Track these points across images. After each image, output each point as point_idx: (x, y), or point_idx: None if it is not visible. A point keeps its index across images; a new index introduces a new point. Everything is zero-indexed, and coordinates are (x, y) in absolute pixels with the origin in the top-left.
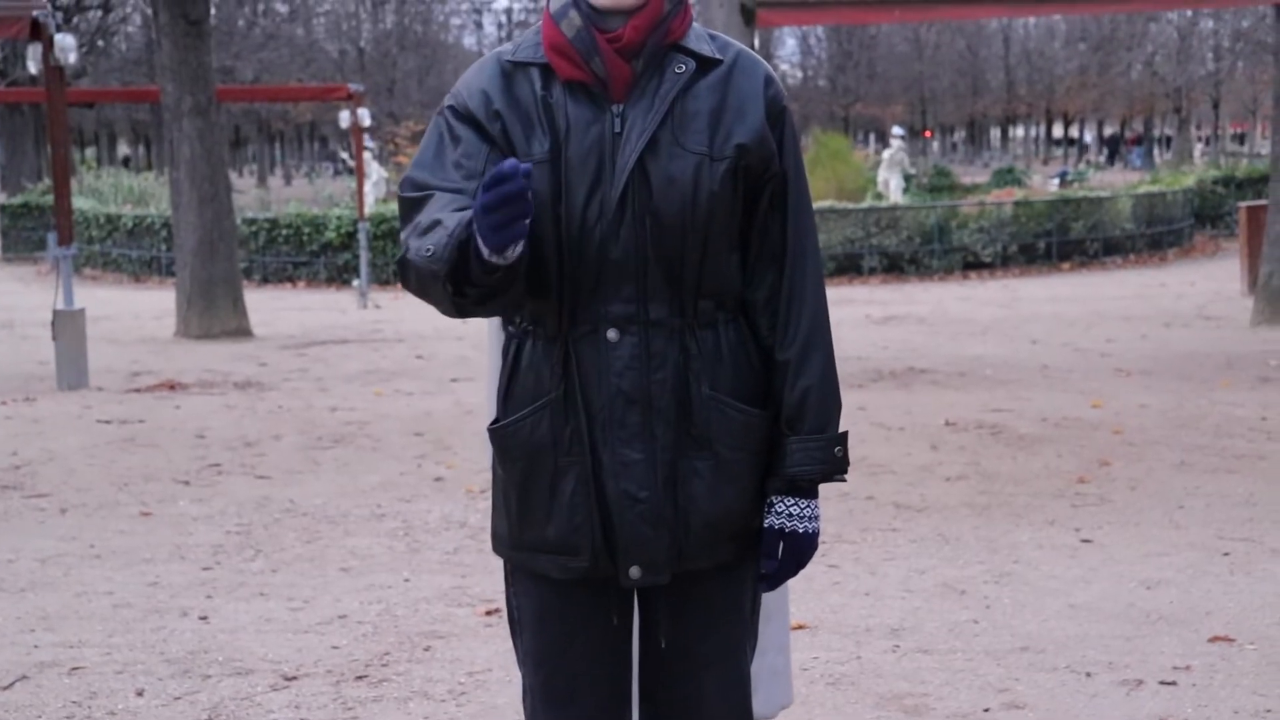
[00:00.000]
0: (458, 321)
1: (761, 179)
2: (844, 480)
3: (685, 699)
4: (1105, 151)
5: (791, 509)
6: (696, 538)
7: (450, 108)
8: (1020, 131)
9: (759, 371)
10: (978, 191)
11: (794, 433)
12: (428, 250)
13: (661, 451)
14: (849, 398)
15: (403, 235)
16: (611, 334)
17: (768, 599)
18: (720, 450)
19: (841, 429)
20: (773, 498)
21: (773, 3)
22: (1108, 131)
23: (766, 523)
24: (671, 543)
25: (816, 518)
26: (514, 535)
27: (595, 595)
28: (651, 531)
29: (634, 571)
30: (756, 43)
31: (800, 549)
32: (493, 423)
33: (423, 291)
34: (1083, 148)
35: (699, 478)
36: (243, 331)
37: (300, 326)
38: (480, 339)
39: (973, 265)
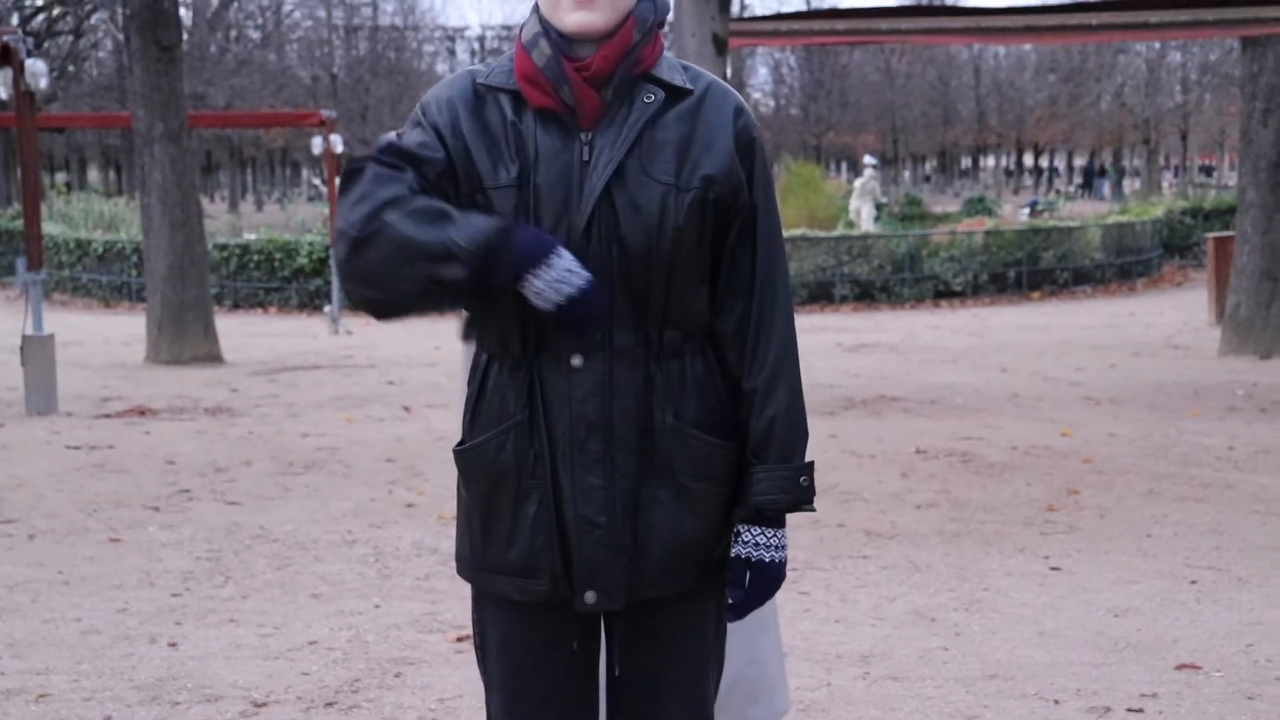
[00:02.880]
0: (430, 349)
1: (730, 211)
2: (812, 510)
3: None
4: (1082, 181)
5: (758, 538)
6: (655, 565)
7: (422, 107)
8: (991, 161)
9: (725, 402)
10: (949, 220)
11: (760, 462)
12: (459, 242)
13: (621, 479)
14: (820, 425)
15: (356, 193)
16: (576, 360)
17: (757, 611)
18: (683, 479)
19: (809, 458)
20: (739, 527)
21: (745, 31)
22: (1078, 162)
23: (734, 552)
24: (629, 569)
25: (783, 547)
26: (476, 556)
27: (558, 620)
28: (608, 557)
29: (589, 597)
30: (729, 71)
31: (768, 578)
32: (459, 444)
33: (380, 265)
34: (1053, 177)
35: (660, 506)
36: (213, 357)
37: (271, 352)
38: (452, 365)
39: (943, 294)
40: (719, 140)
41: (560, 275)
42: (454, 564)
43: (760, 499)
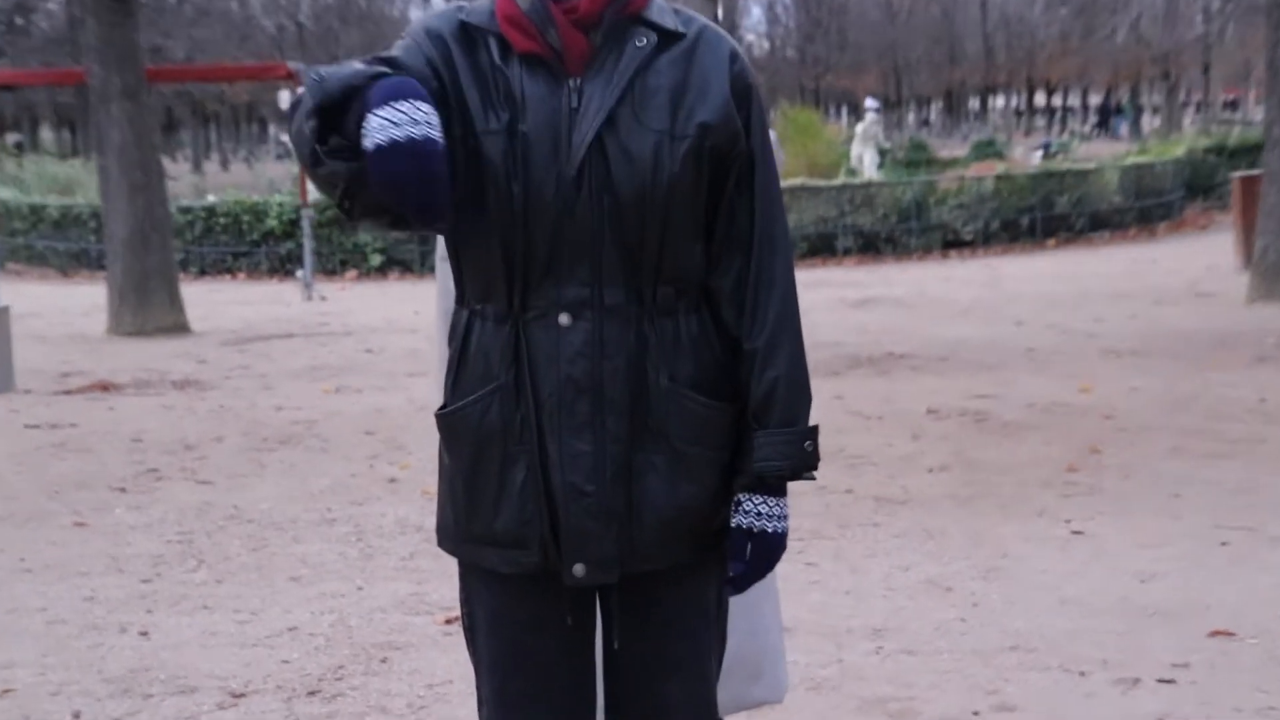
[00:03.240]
0: (410, 314)
1: (727, 160)
2: (813, 478)
3: (651, 707)
4: (1097, 120)
5: (760, 507)
6: (650, 536)
7: (408, 34)
8: (1000, 102)
9: (723, 363)
10: (956, 166)
11: (761, 426)
12: (316, 76)
13: (612, 444)
14: (825, 385)
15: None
16: (564, 319)
17: (754, 585)
18: (678, 444)
19: (813, 422)
20: (740, 495)
21: None
22: (1093, 100)
23: (734, 522)
24: (620, 539)
25: (786, 516)
26: (460, 527)
27: (550, 595)
28: (598, 527)
29: (578, 569)
30: (720, 13)
31: (769, 549)
32: (441, 408)
33: (294, 139)
34: (1067, 117)
35: (654, 472)
36: (180, 327)
37: (241, 321)
38: (431, 333)
39: (952, 244)
40: (714, 86)
41: (393, 117)
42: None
43: (761, 465)
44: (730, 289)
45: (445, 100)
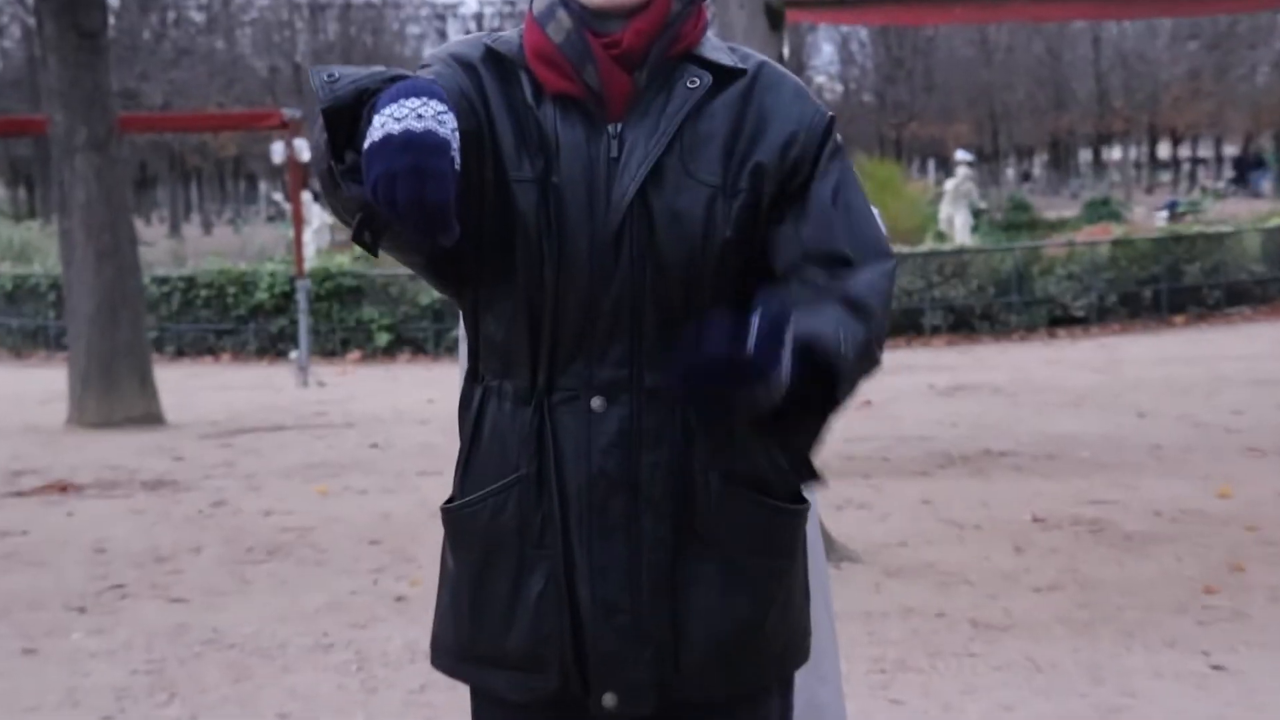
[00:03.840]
0: (423, 402)
1: (784, 197)
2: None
3: None
4: (1234, 174)
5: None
6: (697, 660)
7: (431, 59)
8: (1116, 153)
9: (783, 451)
10: (1065, 229)
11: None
12: (329, 75)
13: (650, 550)
14: (910, 488)
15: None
16: (597, 402)
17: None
18: (734, 553)
19: (893, 528)
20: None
21: (807, 1)
22: (1229, 151)
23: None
24: (660, 664)
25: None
26: (463, 644)
27: None
28: (632, 649)
29: (608, 699)
30: (786, 51)
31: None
32: (447, 501)
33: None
34: (1197, 171)
35: (703, 585)
36: (152, 417)
37: (225, 410)
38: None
39: (1061, 321)
40: (773, 125)
41: (396, 113)
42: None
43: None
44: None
45: (481, 138)
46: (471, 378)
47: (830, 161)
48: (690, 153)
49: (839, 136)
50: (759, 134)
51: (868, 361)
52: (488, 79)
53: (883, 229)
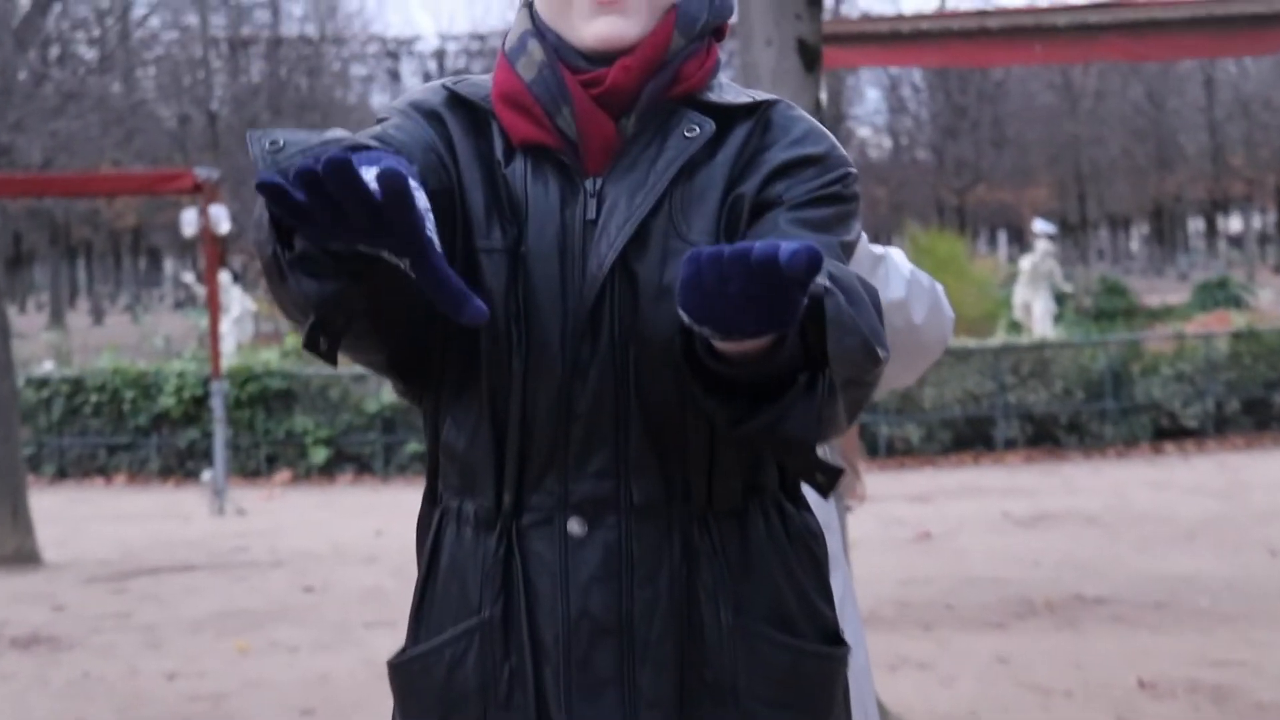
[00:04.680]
0: (369, 534)
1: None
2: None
3: None
4: None
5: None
6: None
7: (387, 111)
8: (1235, 223)
9: (813, 579)
10: (1172, 318)
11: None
12: (271, 143)
13: (649, 709)
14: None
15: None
16: (575, 525)
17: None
18: (752, 706)
19: (962, 692)
20: None
21: (848, 35)
22: None
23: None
24: None
25: None
26: None
27: None
28: None
29: None
30: (823, 97)
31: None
32: (397, 653)
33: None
34: None
35: None
36: (25, 556)
37: (119, 546)
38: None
39: (1168, 433)
40: (766, 155)
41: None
42: None
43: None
44: None
45: (453, 199)
46: (429, 499)
47: (827, 206)
48: (683, 212)
49: (855, 187)
50: (748, 171)
51: (857, 336)
52: (455, 128)
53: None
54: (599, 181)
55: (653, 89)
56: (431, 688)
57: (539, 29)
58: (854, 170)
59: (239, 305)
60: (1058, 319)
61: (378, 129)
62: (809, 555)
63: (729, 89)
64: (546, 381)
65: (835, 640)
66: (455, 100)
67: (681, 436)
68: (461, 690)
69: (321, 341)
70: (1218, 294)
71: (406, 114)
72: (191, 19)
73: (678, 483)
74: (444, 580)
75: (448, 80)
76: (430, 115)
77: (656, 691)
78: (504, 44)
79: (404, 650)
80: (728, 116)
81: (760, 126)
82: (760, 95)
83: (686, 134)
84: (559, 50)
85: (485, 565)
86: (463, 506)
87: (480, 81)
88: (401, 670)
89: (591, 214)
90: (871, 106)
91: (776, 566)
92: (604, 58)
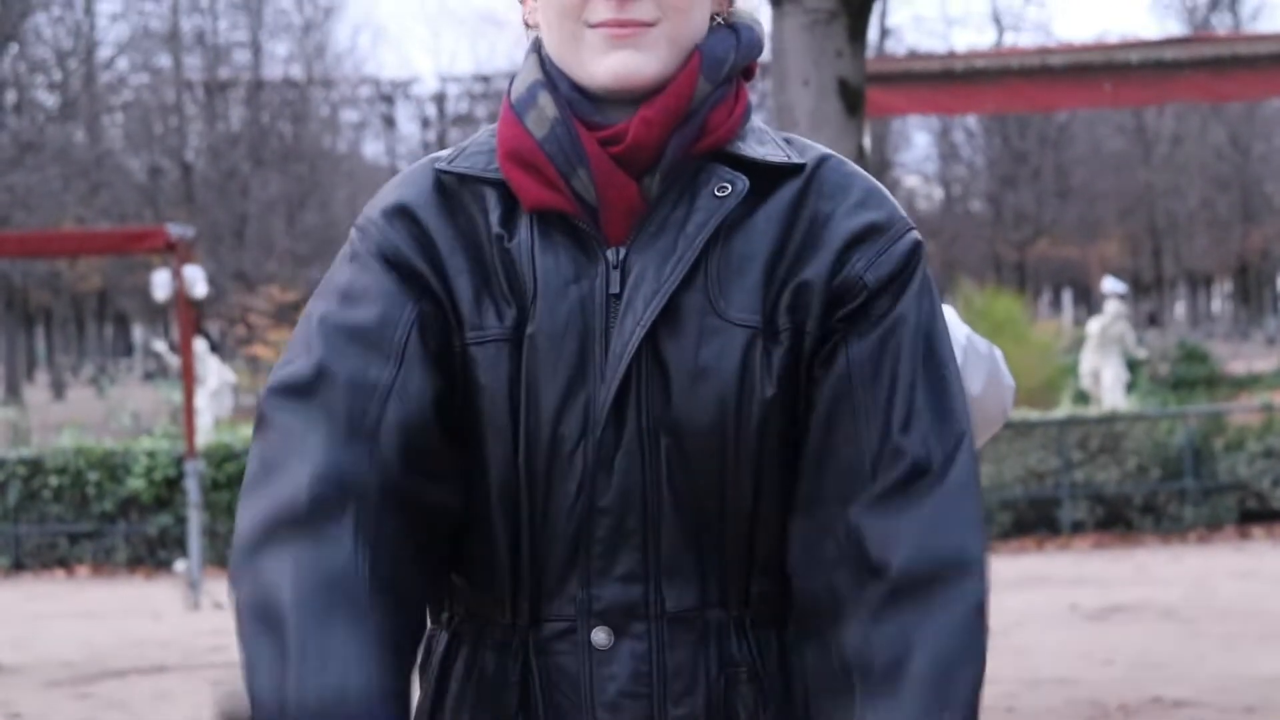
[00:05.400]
0: None
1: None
2: None
3: None
4: None
5: None
6: None
7: (359, 231)
8: None
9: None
10: (1259, 387)
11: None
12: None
13: None
14: None
15: (253, 469)
16: (600, 636)
17: None
18: None
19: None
20: None
21: (894, 74)
22: None
23: None
24: None
25: None
26: None
27: None
28: None
29: None
30: (867, 141)
31: None
32: None
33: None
34: None
35: None
36: None
37: (82, 646)
38: None
39: (1256, 515)
40: (829, 231)
41: None
42: None
43: None
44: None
45: (443, 310)
46: (432, 616)
47: (902, 300)
48: (719, 284)
49: (926, 266)
50: (808, 247)
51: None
52: (433, 220)
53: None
54: (622, 251)
55: (678, 144)
56: None
57: (550, 77)
58: (916, 234)
59: (216, 376)
60: (1130, 388)
61: (356, 313)
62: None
63: (763, 136)
64: (564, 477)
65: None
66: (437, 185)
67: (719, 535)
68: None
69: None
70: None
71: (375, 243)
72: (164, 61)
73: (713, 587)
74: (454, 705)
75: (441, 161)
76: (402, 218)
77: None
78: (510, 92)
79: None
80: (766, 174)
81: (809, 186)
82: (806, 150)
83: (717, 193)
84: (572, 104)
85: (501, 685)
86: (473, 625)
87: (479, 147)
88: None
89: (615, 287)
90: (921, 153)
91: (823, 677)
92: (621, 108)
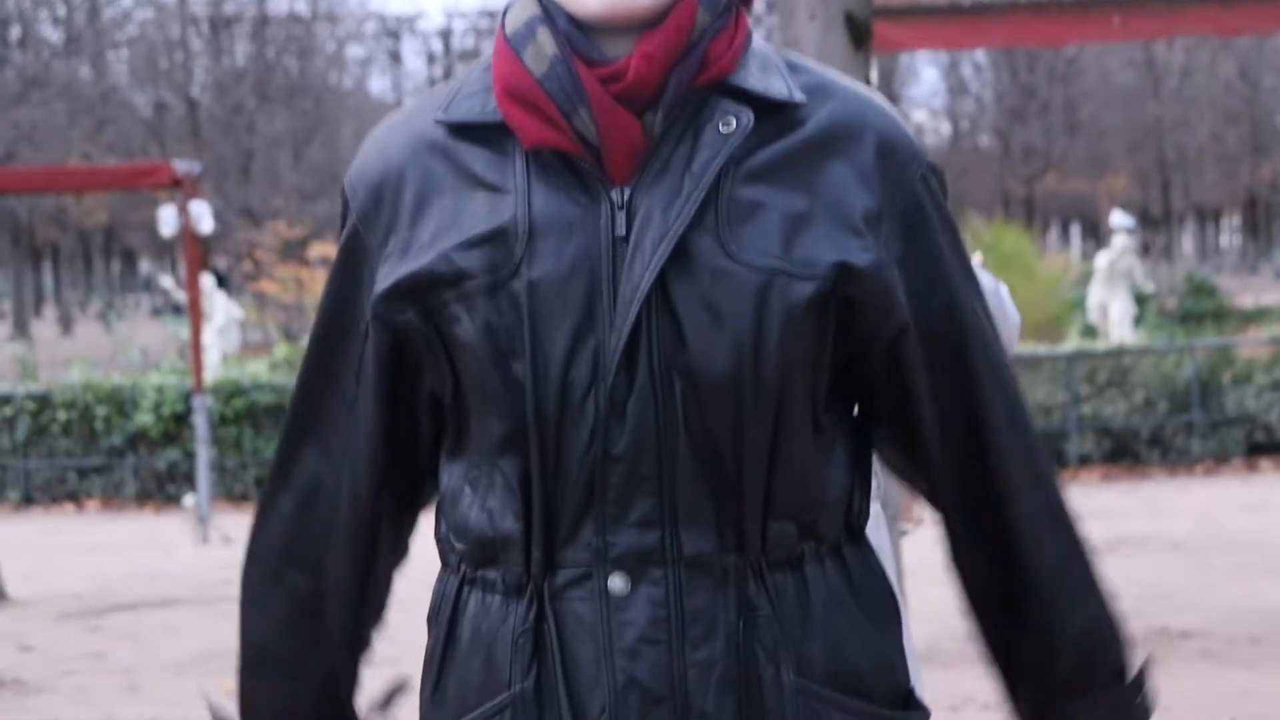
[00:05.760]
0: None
1: (878, 329)
2: None
3: None
4: None
5: None
6: None
7: (344, 201)
8: None
9: (882, 635)
10: (1267, 320)
11: (1074, 696)
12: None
13: None
14: None
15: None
16: (617, 582)
17: None
18: None
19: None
20: None
21: (901, 9)
22: None
23: None
24: None
25: None
26: None
27: None
28: None
29: None
30: (875, 75)
31: None
32: None
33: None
34: None
35: None
36: None
37: (92, 579)
38: (404, 593)
39: (1264, 448)
40: (856, 193)
41: None
42: None
43: None
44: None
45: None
46: (443, 561)
47: (946, 246)
48: (730, 223)
49: (941, 189)
50: (838, 203)
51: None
52: (415, 178)
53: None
54: (626, 192)
55: (679, 78)
56: None
57: (547, 10)
58: (930, 161)
59: (224, 312)
60: (1138, 322)
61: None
62: (876, 606)
63: (765, 63)
64: (576, 424)
65: (911, 704)
66: (422, 138)
67: (736, 480)
68: None
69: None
70: None
71: (334, 269)
72: None
73: (730, 532)
74: (465, 654)
75: (430, 107)
76: (375, 180)
77: None
78: (504, 24)
79: None
80: (772, 108)
81: (825, 123)
82: (810, 78)
83: (722, 129)
84: (570, 39)
85: (514, 634)
86: (486, 575)
87: (473, 87)
88: None
89: (621, 230)
90: (928, 88)
91: (840, 621)
92: (618, 41)
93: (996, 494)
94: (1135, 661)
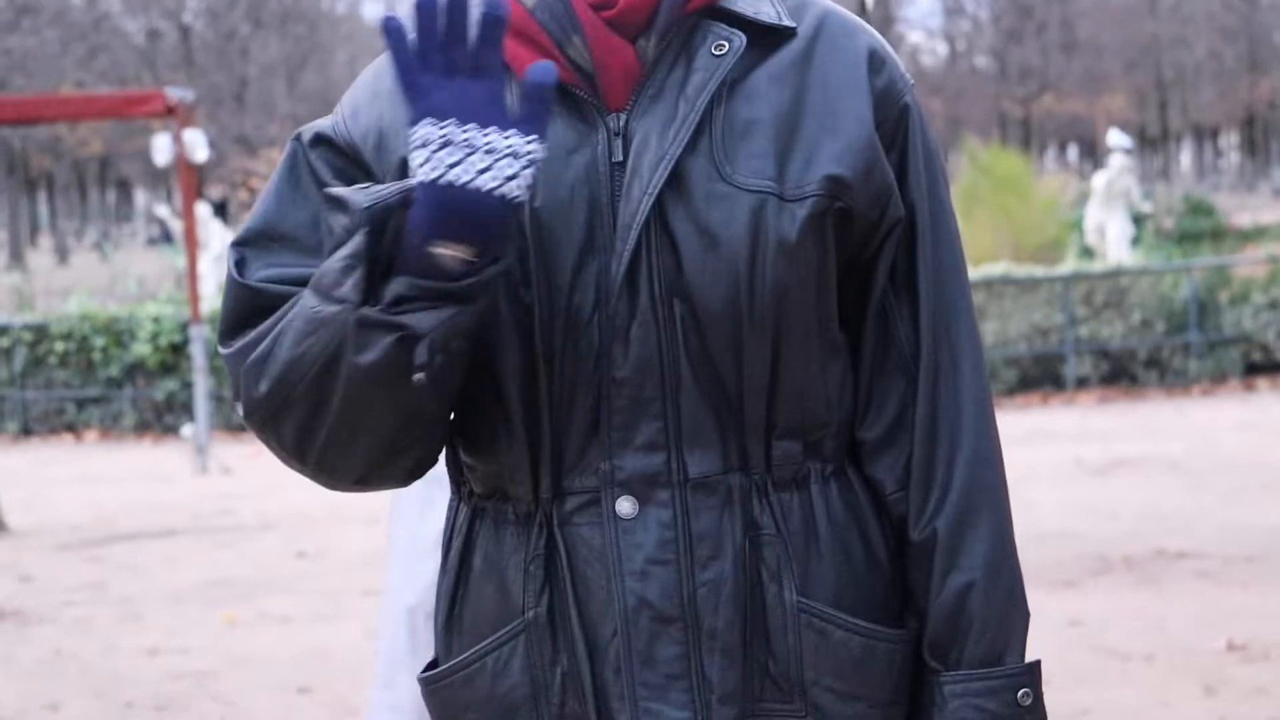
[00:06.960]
0: (369, 496)
1: (870, 234)
2: None
3: None
4: None
5: None
6: None
7: (316, 137)
8: None
9: (885, 557)
10: (1265, 240)
11: (946, 666)
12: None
13: (721, 703)
14: (1050, 602)
15: (229, 353)
16: (625, 505)
17: None
18: (821, 698)
19: (1031, 656)
20: None
21: None
22: None
23: None
24: None
25: None
26: None
27: None
28: None
29: None
30: None
31: None
32: (428, 669)
33: (318, 404)
34: None
35: None
36: None
37: (91, 510)
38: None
39: (1261, 368)
40: (846, 111)
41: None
42: None
43: None
44: (882, 440)
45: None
46: (454, 491)
47: (917, 162)
48: (726, 146)
49: (924, 116)
50: (829, 123)
51: (1016, 604)
52: (381, 121)
53: (971, 307)
54: (622, 118)
55: (671, 3)
56: (474, 702)
57: None
58: (909, 84)
59: (220, 241)
60: (1135, 242)
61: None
62: (877, 526)
63: None
64: (580, 349)
65: (903, 621)
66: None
67: (738, 402)
68: (511, 700)
69: (434, 356)
70: None
71: (324, 155)
72: None
73: (735, 451)
74: (478, 582)
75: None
76: (371, 112)
77: (727, 684)
78: None
79: (434, 664)
80: (764, 32)
81: (812, 46)
82: (802, 6)
83: (715, 52)
84: None
85: (525, 560)
86: (496, 501)
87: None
88: (438, 686)
89: (618, 155)
90: (925, 8)
91: (845, 542)
92: None
93: (928, 421)
94: (1022, 651)
